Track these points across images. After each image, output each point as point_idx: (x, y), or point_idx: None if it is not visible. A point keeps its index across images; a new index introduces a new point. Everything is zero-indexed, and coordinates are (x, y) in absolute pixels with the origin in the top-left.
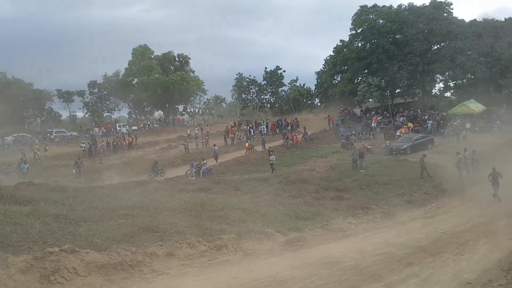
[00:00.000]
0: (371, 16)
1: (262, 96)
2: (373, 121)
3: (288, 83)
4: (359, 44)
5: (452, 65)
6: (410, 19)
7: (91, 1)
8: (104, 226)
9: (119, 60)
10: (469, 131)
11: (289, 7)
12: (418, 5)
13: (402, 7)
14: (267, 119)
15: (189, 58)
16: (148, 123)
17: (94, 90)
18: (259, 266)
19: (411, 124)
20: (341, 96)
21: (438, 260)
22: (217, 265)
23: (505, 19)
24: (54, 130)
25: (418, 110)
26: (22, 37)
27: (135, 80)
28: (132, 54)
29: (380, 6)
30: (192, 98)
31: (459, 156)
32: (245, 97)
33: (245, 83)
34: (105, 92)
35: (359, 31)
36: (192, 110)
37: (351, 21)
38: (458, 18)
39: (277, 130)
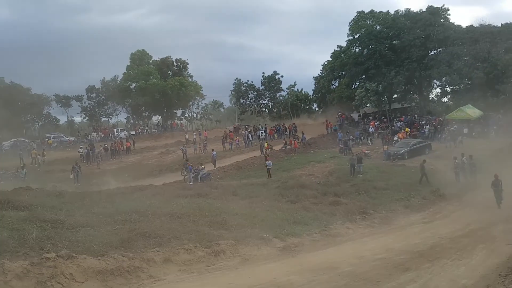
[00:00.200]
0: (369, 22)
1: (260, 101)
2: (371, 126)
3: (286, 88)
4: (357, 50)
5: (449, 70)
6: (407, 25)
7: (89, 6)
8: (101, 231)
9: (117, 65)
10: (466, 136)
11: (286, 13)
12: (415, 11)
13: (399, 13)
14: (265, 124)
15: (187, 63)
16: (146, 128)
17: (92, 95)
18: (257, 271)
19: (409, 129)
20: (339, 101)
21: (436, 265)
22: (214, 271)
23: (501, 24)
24: (52, 135)
25: (416, 115)
26: (20, 42)
27: (133, 85)
28: (130, 59)
29: (377, 12)
30: (190, 103)
31: (456, 161)
32: (243, 102)
33: (244, 88)
34: (103, 97)
35: (356, 36)
36: (190, 115)
37: (349, 26)
38: (455, 23)
39: (276, 135)
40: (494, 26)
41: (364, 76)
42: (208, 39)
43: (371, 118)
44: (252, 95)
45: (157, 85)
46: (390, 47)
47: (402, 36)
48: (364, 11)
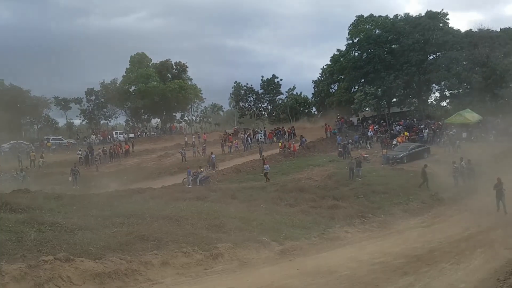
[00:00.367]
0: (368, 26)
1: (260, 105)
2: (370, 130)
3: (286, 92)
4: (356, 54)
5: (448, 74)
6: (406, 29)
7: (89, 9)
8: (99, 234)
9: (117, 67)
10: (465, 140)
11: (286, 17)
12: (414, 16)
13: (398, 17)
14: (264, 127)
15: (187, 66)
16: (145, 130)
17: (91, 98)
18: (255, 275)
19: (407, 133)
20: (338, 105)
21: (434, 269)
22: (212, 274)
23: (500, 29)
24: (51, 138)
25: (414, 119)
26: (20, 44)
27: (133, 87)
28: (129, 62)
29: (377, 16)
30: (190, 106)
31: (455, 165)
32: (242, 105)
33: (243, 92)
34: (102, 100)
35: (355, 40)
36: (190, 118)
37: (348, 30)
38: (454, 28)
39: (275, 138)
40: (492, 30)
41: (363, 80)
42: (207, 42)
43: (370, 122)
44: (252, 99)
45: (156, 88)
46: (389, 51)
47: (401, 40)
48: (363, 15)
